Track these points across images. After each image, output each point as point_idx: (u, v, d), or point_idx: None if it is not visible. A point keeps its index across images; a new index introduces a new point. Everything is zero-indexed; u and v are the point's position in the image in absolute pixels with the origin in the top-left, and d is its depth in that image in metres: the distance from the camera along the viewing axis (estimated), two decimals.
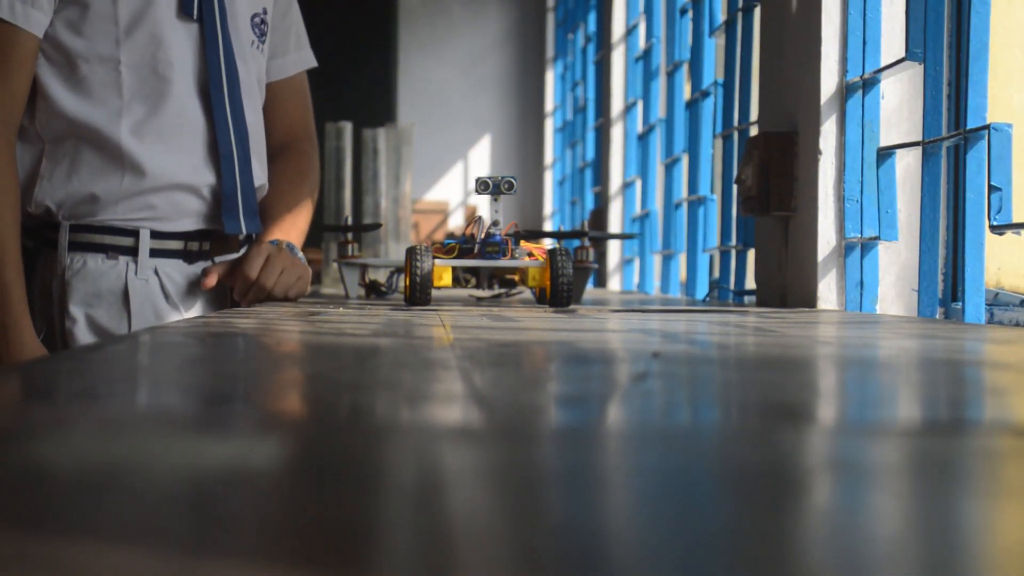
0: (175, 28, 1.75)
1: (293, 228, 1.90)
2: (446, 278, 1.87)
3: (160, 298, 1.75)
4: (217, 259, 1.82)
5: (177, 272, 1.78)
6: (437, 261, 1.86)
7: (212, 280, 1.77)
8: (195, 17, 1.76)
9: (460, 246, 1.91)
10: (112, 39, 1.71)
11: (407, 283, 1.82)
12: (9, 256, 1.63)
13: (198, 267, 1.80)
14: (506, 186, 1.88)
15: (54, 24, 1.70)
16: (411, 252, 1.80)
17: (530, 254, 1.92)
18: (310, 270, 1.91)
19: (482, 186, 1.89)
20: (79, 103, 1.71)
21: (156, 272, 1.75)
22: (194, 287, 1.79)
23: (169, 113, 1.74)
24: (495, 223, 1.89)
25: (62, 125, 1.71)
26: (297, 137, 2.00)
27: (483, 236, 1.89)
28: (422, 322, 1.42)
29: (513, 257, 1.90)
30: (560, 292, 1.82)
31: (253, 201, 1.82)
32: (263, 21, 1.88)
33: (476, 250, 1.89)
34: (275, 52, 1.95)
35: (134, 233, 1.74)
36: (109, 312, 1.72)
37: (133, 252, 1.74)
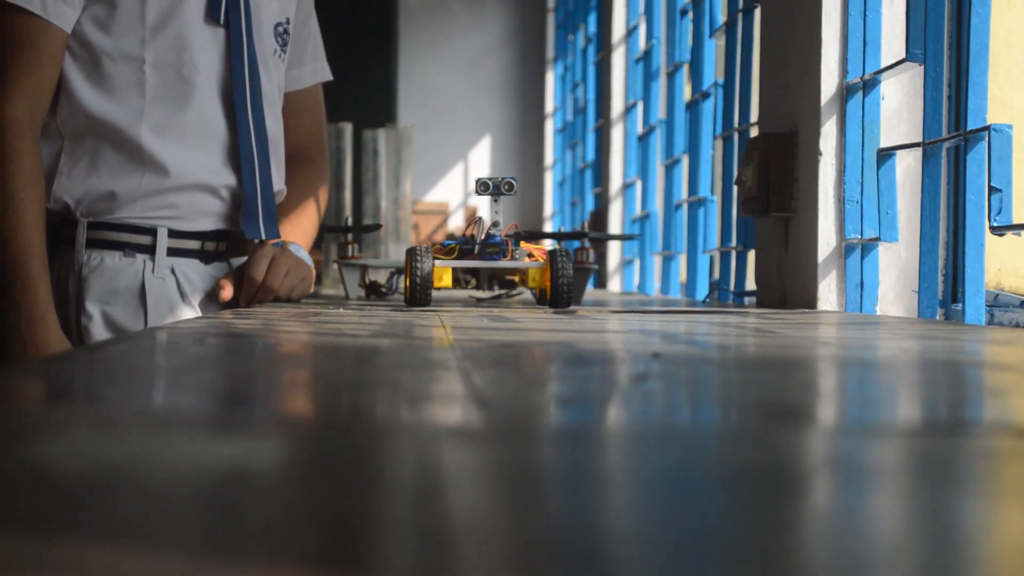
0: (201, 31, 1.75)
1: (297, 229, 1.91)
2: (446, 279, 1.87)
3: (176, 297, 1.75)
4: (232, 261, 1.83)
5: (193, 271, 1.78)
6: (437, 262, 1.86)
7: (229, 292, 1.77)
8: (222, 22, 1.76)
9: (460, 247, 1.91)
10: (138, 38, 1.71)
11: (407, 284, 1.82)
12: (34, 249, 1.62)
13: (214, 267, 1.81)
14: (506, 187, 1.88)
15: (81, 21, 1.70)
16: (411, 253, 1.80)
17: (530, 255, 1.92)
18: (314, 271, 1.91)
19: (482, 187, 1.89)
20: (101, 100, 1.71)
21: (173, 271, 1.75)
22: (210, 287, 1.79)
23: (191, 115, 1.74)
24: (495, 224, 1.89)
25: (83, 122, 1.71)
26: (308, 147, 2.01)
27: (483, 237, 1.89)
28: (422, 323, 1.42)
29: (513, 258, 1.90)
30: (560, 293, 1.82)
31: (272, 206, 1.82)
32: (285, 31, 1.88)
33: (476, 251, 1.89)
34: (292, 63, 1.95)
35: (152, 232, 1.74)
36: (125, 310, 1.72)
37: (150, 250, 1.74)
